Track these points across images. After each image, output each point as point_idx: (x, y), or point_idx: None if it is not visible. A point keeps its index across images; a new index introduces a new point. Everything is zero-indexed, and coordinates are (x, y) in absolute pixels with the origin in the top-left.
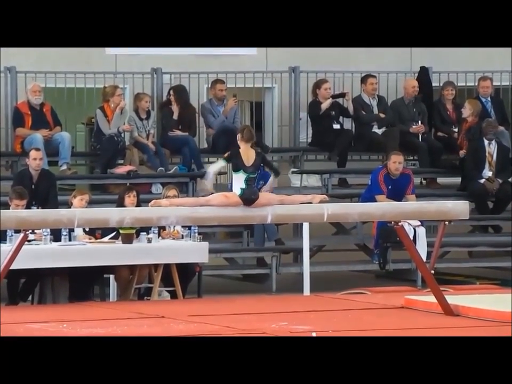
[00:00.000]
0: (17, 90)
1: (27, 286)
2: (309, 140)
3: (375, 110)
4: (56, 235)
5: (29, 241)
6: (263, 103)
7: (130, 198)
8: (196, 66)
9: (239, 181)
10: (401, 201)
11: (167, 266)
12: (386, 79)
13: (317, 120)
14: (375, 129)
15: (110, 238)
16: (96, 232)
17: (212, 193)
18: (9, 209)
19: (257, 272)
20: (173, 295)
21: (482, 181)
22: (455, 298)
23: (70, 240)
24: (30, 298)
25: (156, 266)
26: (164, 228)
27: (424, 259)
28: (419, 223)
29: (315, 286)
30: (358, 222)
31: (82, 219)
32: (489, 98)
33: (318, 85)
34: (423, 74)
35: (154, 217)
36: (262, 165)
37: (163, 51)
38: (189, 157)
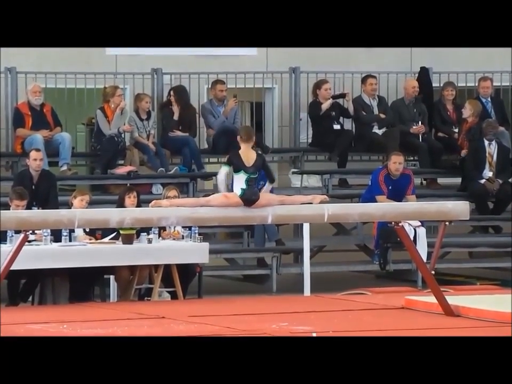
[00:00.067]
0: (17, 90)
1: (27, 286)
2: (309, 140)
3: (376, 111)
4: (56, 236)
5: (29, 241)
6: (263, 103)
7: (130, 199)
8: (196, 66)
9: (239, 182)
10: (401, 201)
11: (167, 267)
12: (386, 80)
13: (317, 120)
14: (376, 130)
15: (110, 239)
16: (96, 232)
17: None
18: (9, 209)
19: (257, 272)
20: (173, 296)
21: (482, 181)
22: (455, 299)
23: (70, 240)
24: (30, 299)
25: (156, 266)
26: (164, 229)
27: (425, 259)
28: (419, 224)
29: (315, 286)
30: (358, 223)
31: (83, 220)
32: (489, 99)
33: (318, 85)
34: (423, 75)
35: (154, 218)
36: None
37: (163, 51)
38: (189, 158)
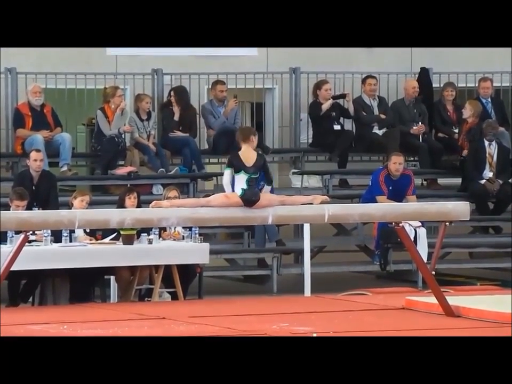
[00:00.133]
0: (17, 91)
1: (28, 287)
2: (310, 141)
3: (376, 111)
4: (56, 236)
5: (30, 242)
6: (263, 104)
7: (130, 200)
8: (196, 67)
9: (240, 182)
10: (401, 202)
11: (167, 268)
12: (386, 80)
13: (317, 121)
14: (376, 130)
15: (110, 239)
16: (96, 233)
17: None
18: (9, 210)
19: (258, 273)
20: (174, 296)
21: (482, 181)
22: (455, 299)
23: (70, 241)
24: (30, 299)
25: (157, 267)
26: (164, 229)
27: (425, 260)
28: (420, 224)
29: (316, 287)
30: (358, 223)
31: (83, 220)
32: (489, 99)
33: (318, 85)
34: (424, 75)
35: (155, 218)
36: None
37: (163, 52)
38: (190, 158)
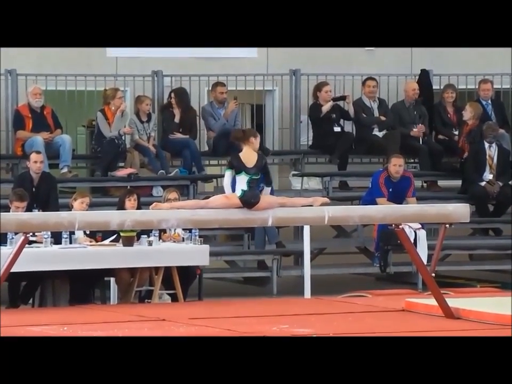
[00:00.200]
0: (17, 92)
1: (28, 289)
2: (310, 143)
3: (376, 113)
4: (56, 238)
5: (30, 243)
6: (263, 105)
7: (130, 202)
8: (196, 68)
9: (241, 183)
10: (402, 204)
11: (167, 269)
12: (387, 82)
13: (317, 122)
14: (376, 132)
15: (110, 241)
16: (96, 235)
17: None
18: (9, 211)
19: (258, 275)
20: (174, 298)
21: (482, 183)
22: (455, 301)
23: (70, 243)
24: (30, 301)
25: (157, 269)
26: (164, 231)
27: (425, 262)
28: (420, 226)
29: (316, 288)
30: (358, 225)
31: (83, 222)
32: (489, 101)
33: (318, 87)
34: (424, 77)
35: (155, 220)
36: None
37: (164, 53)
38: (190, 160)
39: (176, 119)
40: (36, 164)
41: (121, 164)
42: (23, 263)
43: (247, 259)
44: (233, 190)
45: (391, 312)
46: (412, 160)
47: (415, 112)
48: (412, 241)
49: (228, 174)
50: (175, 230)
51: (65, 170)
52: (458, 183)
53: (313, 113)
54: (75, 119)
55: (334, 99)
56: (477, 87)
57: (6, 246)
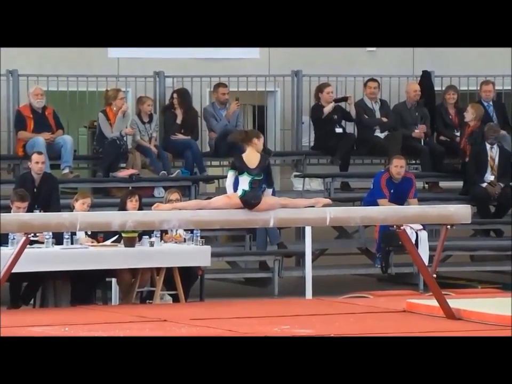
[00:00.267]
0: (19, 93)
1: (29, 289)
2: (311, 144)
3: (378, 114)
4: (58, 238)
5: (31, 243)
6: (265, 106)
7: (132, 203)
8: (198, 69)
9: (243, 183)
10: (403, 205)
11: (169, 270)
12: (388, 83)
13: (319, 124)
14: (378, 133)
15: (112, 242)
16: (98, 235)
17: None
18: (10, 212)
19: (259, 275)
20: (175, 299)
21: (484, 185)
22: (456, 302)
23: (72, 243)
24: (32, 301)
25: (158, 269)
26: (166, 232)
27: (426, 263)
28: (421, 227)
29: (317, 289)
30: (360, 226)
31: (85, 222)
32: (491, 102)
33: (320, 88)
34: (425, 78)
35: (156, 221)
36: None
37: (165, 54)
38: (191, 161)
39: (178, 120)
40: (37, 164)
41: (123, 165)
42: (24, 264)
43: (249, 260)
44: (236, 190)
45: (392, 313)
46: (414, 161)
47: (416, 113)
48: (413, 242)
49: (230, 175)
50: (176, 230)
51: (66, 171)
52: (459, 184)
53: (315, 114)
54: (76, 120)
55: (336, 100)
56: (478, 88)
57: (7, 246)
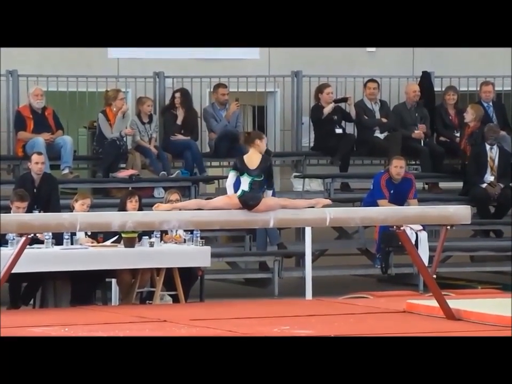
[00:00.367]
0: (18, 93)
1: (29, 289)
2: (311, 144)
3: (377, 115)
4: (58, 239)
5: (32, 242)
6: (265, 107)
7: (132, 203)
8: (198, 70)
9: (244, 184)
10: (403, 205)
11: (169, 271)
12: (388, 84)
13: (319, 124)
14: (377, 134)
15: (112, 242)
16: (98, 236)
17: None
18: (10, 212)
19: (259, 276)
20: (175, 299)
21: (484, 185)
22: (456, 303)
23: (72, 244)
24: (31, 302)
25: (158, 270)
26: (166, 232)
27: (426, 263)
28: (421, 228)
29: (317, 290)
30: (360, 227)
31: (85, 223)
32: (491, 103)
33: (320, 89)
34: (425, 79)
35: (156, 221)
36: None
37: (165, 55)
38: (191, 161)
39: (179, 120)
40: (37, 165)
41: (123, 165)
42: (24, 264)
43: (249, 260)
44: (238, 191)
45: (392, 314)
46: (413, 162)
47: (416, 114)
48: (413, 242)
49: (231, 175)
50: (176, 231)
51: (66, 171)
52: (459, 185)
53: (315, 115)
54: (76, 120)
55: (336, 101)
56: (478, 89)
57: (7, 247)
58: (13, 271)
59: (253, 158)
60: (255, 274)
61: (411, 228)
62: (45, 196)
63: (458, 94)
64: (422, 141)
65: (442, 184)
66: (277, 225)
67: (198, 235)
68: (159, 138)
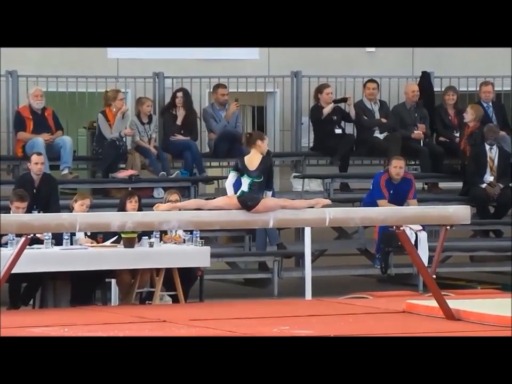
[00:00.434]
0: (18, 94)
1: (29, 290)
2: (311, 145)
3: (377, 115)
4: (57, 239)
5: (32, 243)
6: (265, 107)
7: (132, 204)
8: (197, 70)
9: (244, 185)
10: (402, 205)
11: (168, 271)
12: (388, 84)
13: (318, 124)
14: (377, 134)
15: (111, 242)
16: (97, 236)
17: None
18: (9, 212)
19: (259, 276)
20: (175, 300)
21: (483, 185)
22: (456, 303)
23: (71, 244)
24: (31, 302)
25: (158, 270)
26: (165, 232)
27: (426, 264)
28: (421, 228)
29: (317, 290)
30: (359, 227)
31: (84, 223)
32: (490, 103)
33: (320, 89)
34: (425, 79)
35: (156, 222)
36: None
37: (165, 55)
38: (191, 161)
39: (179, 120)
40: (37, 165)
41: (122, 166)
42: (24, 264)
43: (248, 260)
44: (237, 191)
45: (392, 314)
46: (413, 162)
47: (416, 114)
48: (413, 243)
49: (231, 175)
50: (176, 231)
51: (66, 171)
52: (459, 185)
53: (314, 115)
54: (76, 121)
55: (335, 101)
56: (478, 89)
57: (6, 247)
58: (12, 271)
59: (253, 159)
60: (255, 275)
61: (411, 228)
62: (45, 196)
63: (458, 94)
64: (422, 141)
65: (442, 184)
66: (276, 226)
67: (198, 235)
68: (159, 139)
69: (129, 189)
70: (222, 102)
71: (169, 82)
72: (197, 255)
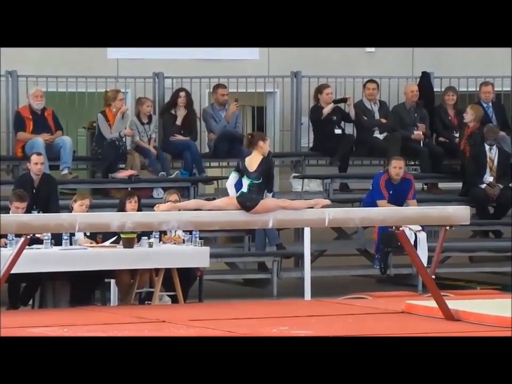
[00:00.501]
0: (18, 94)
1: (28, 290)
2: (311, 145)
3: (377, 115)
4: (57, 239)
5: (31, 243)
6: (264, 107)
7: (131, 204)
8: (197, 70)
9: (244, 186)
10: (402, 206)
11: (168, 271)
12: (388, 84)
13: (318, 125)
14: (377, 134)
15: (111, 243)
16: (97, 236)
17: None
18: (9, 212)
19: (258, 276)
20: (174, 300)
21: (483, 186)
22: (455, 303)
23: (71, 244)
24: (30, 302)
25: (157, 270)
26: (165, 233)
27: (425, 264)
28: (420, 228)
29: (316, 290)
30: (359, 227)
31: (84, 223)
32: (490, 104)
33: (319, 90)
34: (425, 80)
35: (155, 222)
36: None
37: (165, 55)
38: (190, 162)
39: (179, 120)
40: (37, 165)
41: (122, 166)
42: (23, 265)
43: (248, 261)
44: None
45: (391, 314)
46: (413, 163)
47: (415, 115)
48: (412, 243)
49: (232, 176)
50: (175, 231)
51: (65, 171)
52: (459, 185)
53: (314, 116)
54: (76, 121)
55: (335, 101)
56: (477, 89)
57: (6, 247)
58: (12, 271)
59: (253, 161)
60: (254, 275)
61: (410, 229)
62: (44, 196)
63: (457, 95)
64: (422, 142)
65: (442, 185)
66: (276, 226)
67: (197, 235)
68: (158, 139)
69: (129, 189)
70: (222, 102)
71: (169, 82)
72: (196, 256)
